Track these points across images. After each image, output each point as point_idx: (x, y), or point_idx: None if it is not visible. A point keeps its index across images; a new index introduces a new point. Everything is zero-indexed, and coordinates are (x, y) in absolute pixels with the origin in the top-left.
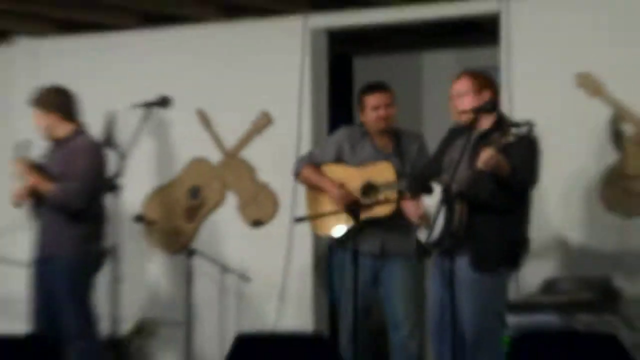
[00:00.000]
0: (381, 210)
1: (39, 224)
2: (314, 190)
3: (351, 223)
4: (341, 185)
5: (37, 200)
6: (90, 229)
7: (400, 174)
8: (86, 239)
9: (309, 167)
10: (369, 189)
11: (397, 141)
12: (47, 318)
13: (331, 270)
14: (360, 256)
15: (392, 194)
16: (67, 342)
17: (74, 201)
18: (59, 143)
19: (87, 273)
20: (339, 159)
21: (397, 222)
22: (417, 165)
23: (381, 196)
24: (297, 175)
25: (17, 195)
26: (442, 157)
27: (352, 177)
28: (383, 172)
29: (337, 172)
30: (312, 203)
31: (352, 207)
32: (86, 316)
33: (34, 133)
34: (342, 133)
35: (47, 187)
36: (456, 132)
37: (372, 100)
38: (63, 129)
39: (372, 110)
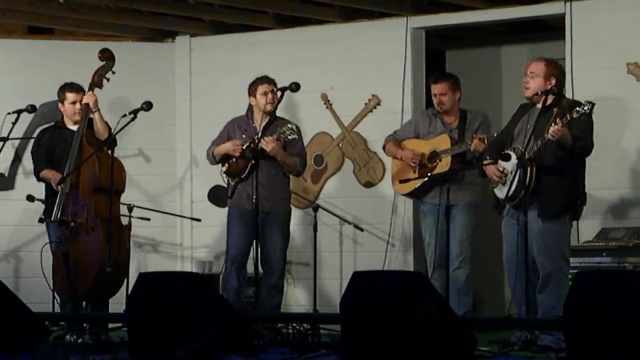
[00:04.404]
0: (440, 168)
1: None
2: (394, 158)
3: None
4: (408, 150)
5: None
6: None
7: (454, 143)
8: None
9: (391, 142)
10: (433, 155)
11: (463, 118)
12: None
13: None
14: (436, 206)
15: (448, 157)
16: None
17: None
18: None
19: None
20: (417, 135)
21: (456, 179)
22: (492, 137)
23: (440, 159)
24: (384, 148)
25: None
26: (513, 128)
27: (422, 147)
28: (442, 142)
29: (412, 144)
30: (395, 168)
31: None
32: None
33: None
34: (418, 115)
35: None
36: (523, 108)
37: (431, 89)
38: None
39: (433, 97)
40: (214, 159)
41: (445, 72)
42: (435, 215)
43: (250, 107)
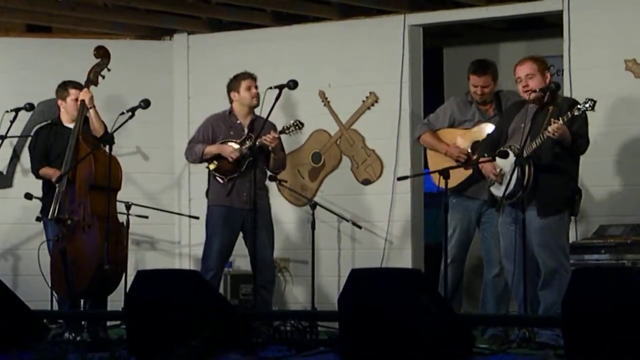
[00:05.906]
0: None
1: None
2: (433, 150)
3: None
4: (454, 145)
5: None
6: None
7: None
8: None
9: (428, 133)
10: (476, 146)
11: (498, 103)
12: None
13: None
14: (469, 200)
15: None
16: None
17: None
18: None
19: None
20: (452, 124)
21: None
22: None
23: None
24: (418, 138)
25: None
26: (506, 126)
27: (462, 138)
28: (486, 131)
29: (450, 134)
30: (433, 160)
31: (462, 160)
32: None
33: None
34: (452, 102)
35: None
36: (515, 106)
37: (471, 80)
38: None
39: (472, 86)
40: (200, 159)
41: (483, 61)
42: (465, 210)
43: (231, 105)
